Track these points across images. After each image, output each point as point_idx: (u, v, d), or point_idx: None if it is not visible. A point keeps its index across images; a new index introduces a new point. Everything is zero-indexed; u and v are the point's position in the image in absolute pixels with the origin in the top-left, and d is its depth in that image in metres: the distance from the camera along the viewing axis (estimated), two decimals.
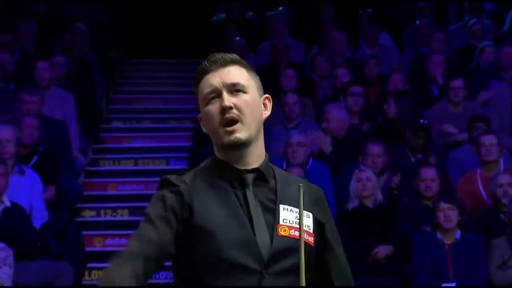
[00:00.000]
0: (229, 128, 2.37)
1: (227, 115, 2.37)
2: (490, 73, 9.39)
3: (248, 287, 2.31)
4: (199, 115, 2.47)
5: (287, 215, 2.40)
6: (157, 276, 7.65)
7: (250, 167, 2.41)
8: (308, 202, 2.44)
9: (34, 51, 9.89)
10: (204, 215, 2.35)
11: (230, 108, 2.37)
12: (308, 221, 2.42)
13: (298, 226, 2.37)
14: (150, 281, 2.34)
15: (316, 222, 2.44)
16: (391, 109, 8.53)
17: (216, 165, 2.43)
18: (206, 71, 2.43)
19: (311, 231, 2.42)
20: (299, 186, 2.32)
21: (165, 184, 2.41)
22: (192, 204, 2.36)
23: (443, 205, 6.67)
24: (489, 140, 7.58)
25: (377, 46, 10.33)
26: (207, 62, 2.44)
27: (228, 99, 2.38)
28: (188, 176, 2.44)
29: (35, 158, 7.70)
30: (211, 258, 2.32)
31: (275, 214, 2.39)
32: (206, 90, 2.42)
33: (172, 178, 2.42)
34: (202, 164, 2.48)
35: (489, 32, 10.61)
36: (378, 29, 10.49)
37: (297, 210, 2.39)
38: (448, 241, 6.69)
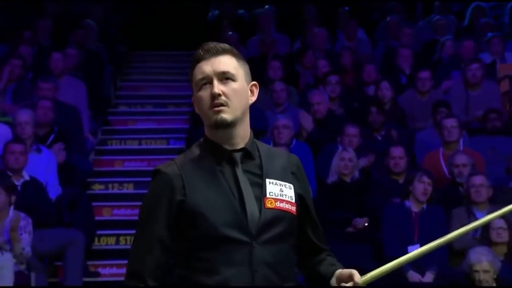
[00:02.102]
0: (216, 108, 2.36)
1: (216, 101, 2.35)
2: (451, 64, 9.42)
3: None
4: (193, 98, 2.45)
5: (273, 188, 2.40)
6: None
7: (237, 147, 2.40)
8: (290, 175, 2.45)
9: (50, 45, 9.88)
10: (196, 197, 2.34)
11: (219, 95, 2.35)
12: (290, 192, 2.42)
13: (282, 198, 2.39)
14: None
15: (297, 194, 2.45)
16: (388, 92, 8.48)
17: (207, 145, 2.42)
18: (200, 59, 2.40)
19: (293, 201, 2.42)
20: None
21: (157, 174, 2.39)
22: (184, 186, 2.35)
23: (425, 179, 6.66)
24: (450, 123, 7.61)
25: (355, 39, 10.34)
26: (201, 50, 2.41)
27: (218, 87, 2.36)
28: (179, 159, 2.42)
29: (51, 137, 7.71)
30: (206, 236, 2.32)
31: (262, 188, 2.39)
32: (199, 76, 2.39)
33: (163, 167, 2.40)
34: (194, 145, 2.46)
35: (452, 27, 10.64)
36: (357, 24, 10.51)
37: (281, 182, 2.42)
38: (415, 209, 6.72)
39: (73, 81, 8.88)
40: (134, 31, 11.87)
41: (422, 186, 6.64)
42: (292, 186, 2.43)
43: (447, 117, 7.73)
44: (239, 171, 2.39)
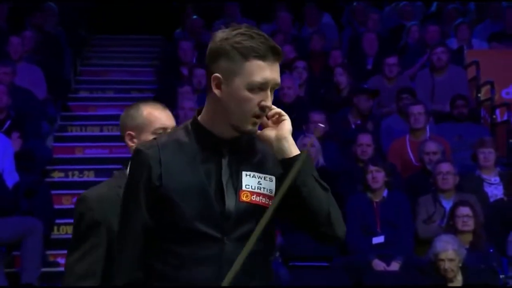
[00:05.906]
0: (257, 119, 2.24)
1: (263, 113, 2.24)
2: (417, 50, 9.43)
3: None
4: (215, 75, 2.23)
5: (249, 181, 2.28)
6: None
7: (225, 137, 2.28)
8: (272, 165, 2.32)
9: (6, 28, 9.70)
10: (172, 184, 2.24)
11: (269, 109, 2.26)
12: (271, 185, 2.30)
13: (259, 191, 2.28)
14: None
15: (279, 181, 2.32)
16: (343, 79, 8.48)
17: (196, 130, 2.30)
18: (261, 57, 2.22)
19: (273, 194, 2.29)
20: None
21: (137, 155, 2.29)
22: (161, 174, 2.25)
23: (371, 167, 6.69)
24: (417, 109, 7.61)
25: (317, 25, 10.31)
26: (261, 44, 2.22)
27: (270, 100, 2.24)
28: (161, 140, 2.31)
29: (7, 123, 7.57)
30: (177, 227, 2.23)
31: (239, 180, 2.28)
32: (257, 79, 2.21)
33: (144, 148, 2.29)
34: (180, 127, 2.35)
35: (418, 13, 10.66)
36: (318, 9, 10.48)
37: (259, 175, 2.30)
38: (376, 199, 6.71)
39: (31, 66, 8.73)
40: (95, 14, 11.70)
41: (370, 175, 6.65)
42: (273, 178, 2.31)
43: (413, 104, 7.73)
44: (225, 162, 2.28)
